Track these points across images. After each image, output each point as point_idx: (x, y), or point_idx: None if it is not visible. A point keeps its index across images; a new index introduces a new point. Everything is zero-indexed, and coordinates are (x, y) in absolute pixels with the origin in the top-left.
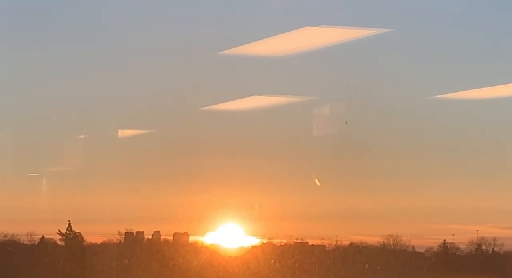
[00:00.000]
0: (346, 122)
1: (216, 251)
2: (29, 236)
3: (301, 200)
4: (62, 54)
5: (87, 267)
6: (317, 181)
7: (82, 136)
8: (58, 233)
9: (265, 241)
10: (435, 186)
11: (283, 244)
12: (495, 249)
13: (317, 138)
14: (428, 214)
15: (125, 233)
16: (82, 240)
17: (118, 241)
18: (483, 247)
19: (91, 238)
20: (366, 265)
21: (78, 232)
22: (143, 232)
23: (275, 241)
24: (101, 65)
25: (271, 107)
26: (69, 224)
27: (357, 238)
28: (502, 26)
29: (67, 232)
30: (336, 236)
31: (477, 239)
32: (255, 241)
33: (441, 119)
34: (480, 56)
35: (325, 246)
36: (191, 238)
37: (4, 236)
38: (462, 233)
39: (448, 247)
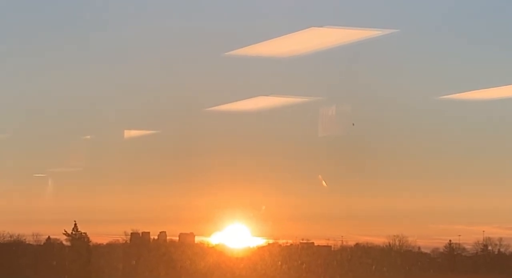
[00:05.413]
0: (353, 124)
1: (222, 252)
2: (35, 237)
3: (307, 201)
4: (69, 55)
5: (93, 267)
6: (323, 182)
7: (88, 137)
8: (64, 234)
9: (271, 241)
10: (441, 187)
11: (289, 244)
12: (501, 249)
13: (323, 138)
14: (434, 214)
15: (131, 233)
16: (88, 240)
17: (124, 242)
18: (489, 248)
19: (97, 238)
20: (373, 267)
21: (84, 233)
22: (149, 232)
23: (281, 241)
24: (107, 66)
25: (277, 108)
26: (75, 224)
27: (363, 239)
28: (508, 27)
29: (73, 232)
30: (342, 236)
31: (483, 240)
32: (261, 241)
33: (447, 120)
34: (485, 56)
35: (331, 246)
36: (197, 239)
37: (11, 236)
38: (468, 233)
39: (454, 247)
